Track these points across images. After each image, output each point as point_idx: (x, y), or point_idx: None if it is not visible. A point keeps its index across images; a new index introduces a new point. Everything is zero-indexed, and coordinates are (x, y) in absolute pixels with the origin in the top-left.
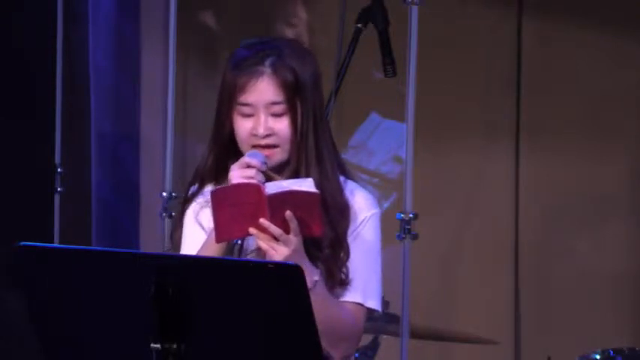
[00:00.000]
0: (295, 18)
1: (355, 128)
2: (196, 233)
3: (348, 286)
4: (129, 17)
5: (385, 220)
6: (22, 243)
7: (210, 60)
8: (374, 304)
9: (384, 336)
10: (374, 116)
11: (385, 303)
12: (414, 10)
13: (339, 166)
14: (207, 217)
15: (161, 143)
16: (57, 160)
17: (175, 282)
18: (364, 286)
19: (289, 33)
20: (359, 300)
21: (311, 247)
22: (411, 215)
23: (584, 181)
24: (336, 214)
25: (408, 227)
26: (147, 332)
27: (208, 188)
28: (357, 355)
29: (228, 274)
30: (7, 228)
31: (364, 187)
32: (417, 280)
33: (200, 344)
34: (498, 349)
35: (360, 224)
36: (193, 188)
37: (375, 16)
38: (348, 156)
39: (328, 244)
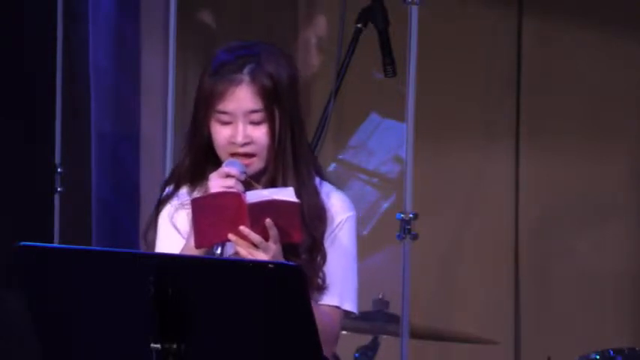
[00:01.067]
0: (295, 18)
1: (355, 128)
2: (171, 235)
3: (325, 290)
4: (129, 17)
5: (385, 220)
6: (22, 243)
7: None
8: (350, 306)
9: (384, 336)
10: (374, 116)
11: (385, 303)
12: (414, 10)
13: (315, 168)
14: (182, 220)
15: (161, 143)
16: (57, 160)
17: (175, 282)
18: (341, 289)
19: (289, 33)
20: (336, 303)
21: (288, 252)
22: (411, 215)
23: (584, 181)
24: (314, 219)
25: (408, 227)
26: (147, 332)
27: (183, 190)
28: (357, 355)
29: (228, 274)
30: (7, 228)
31: (339, 189)
32: (417, 280)
33: (200, 344)
34: (498, 349)
35: (336, 227)
36: (168, 189)
37: (375, 16)
38: (348, 156)
39: (305, 249)
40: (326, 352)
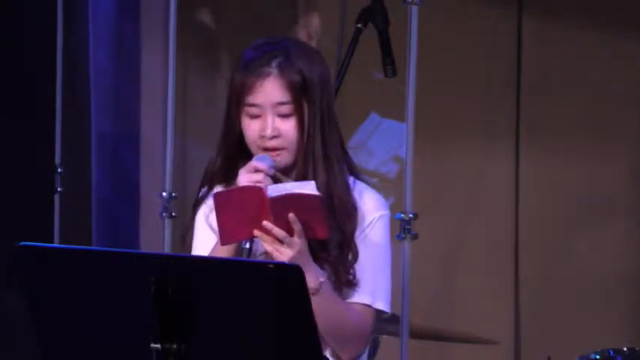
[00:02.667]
0: (295, 18)
1: (355, 128)
2: (207, 236)
3: (357, 288)
4: (129, 17)
5: None
6: (22, 243)
7: (210, 60)
8: (382, 305)
9: (384, 336)
10: (374, 116)
11: None
12: (414, 10)
13: (349, 166)
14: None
15: (161, 143)
16: (57, 160)
17: (175, 282)
18: (372, 288)
19: (289, 33)
20: (367, 301)
21: (318, 249)
22: (411, 215)
23: (584, 181)
24: (344, 215)
25: (408, 227)
26: (147, 332)
27: (218, 190)
28: None
29: (228, 274)
30: (7, 228)
31: (374, 188)
32: (417, 280)
33: (200, 344)
34: (498, 349)
35: (368, 225)
36: (203, 190)
37: (375, 16)
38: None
39: (335, 245)
40: (357, 350)
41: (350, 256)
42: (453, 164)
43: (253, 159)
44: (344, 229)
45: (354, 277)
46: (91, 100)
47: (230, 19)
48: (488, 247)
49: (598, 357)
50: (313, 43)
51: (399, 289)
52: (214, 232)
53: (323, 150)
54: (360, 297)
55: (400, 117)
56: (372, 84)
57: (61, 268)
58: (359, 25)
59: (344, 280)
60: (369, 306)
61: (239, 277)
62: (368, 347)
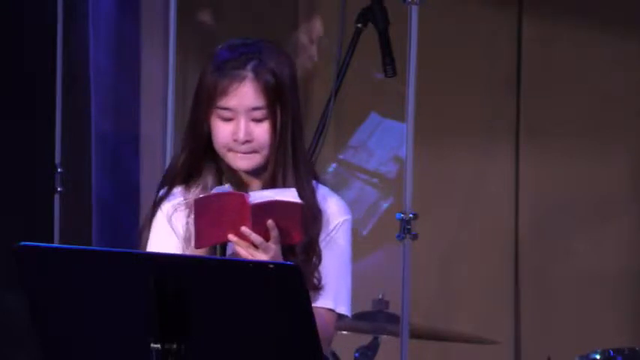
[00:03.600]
0: (295, 18)
1: (355, 128)
2: (166, 236)
3: (320, 292)
4: (129, 17)
5: (385, 220)
6: (22, 243)
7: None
8: (344, 309)
9: (384, 336)
10: (374, 116)
11: (385, 303)
12: (414, 10)
13: (312, 170)
14: (180, 221)
15: (161, 143)
16: (57, 160)
17: (175, 282)
18: (335, 292)
19: (289, 33)
20: (330, 306)
21: (285, 252)
22: (411, 215)
23: (584, 181)
24: (310, 219)
25: (408, 227)
26: (147, 332)
27: (177, 189)
28: (357, 355)
29: (228, 274)
30: (7, 228)
31: (335, 192)
32: (417, 280)
33: (200, 344)
34: (498, 349)
35: (332, 230)
36: (163, 190)
37: (375, 16)
38: (348, 156)
39: (302, 249)
40: None
41: (315, 260)
42: (453, 164)
43: (213, 190)
44: (310, 232)
45: (319, 280)
46: (91, 100)
47: (230, 19)
48: (488, 247)
49: (598, 357)
50: (315, 48)
51: (399, 289)
52: (174, 232)
53: (293, 153)
54: (324, 301)
55: (400, 117)
56: (372, 84)
57: (61, 268)
58: (359, 25)
59: (310, 284)
60: (332, 310)
61: (239, 277)
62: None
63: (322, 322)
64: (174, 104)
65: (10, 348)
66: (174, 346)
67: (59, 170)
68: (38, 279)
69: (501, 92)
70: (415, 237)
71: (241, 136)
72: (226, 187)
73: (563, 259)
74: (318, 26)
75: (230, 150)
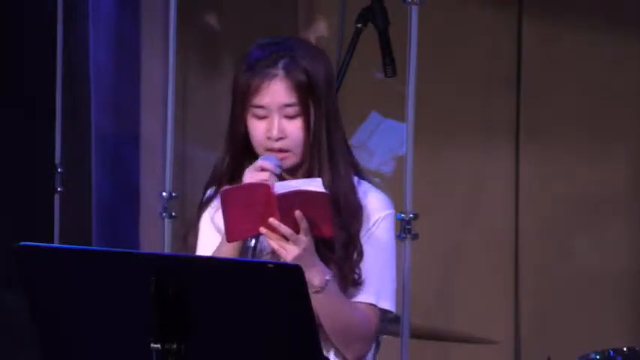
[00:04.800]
0: (295, 18)
1: (355, 128)
2: (212, 237)
3: (362, 287)
4: (129, 17)
5: None
6: (22, 243)
7: (210, 60)
8: (387, 304)
9: (384, 336)
10: (374, 116)
11: None
12: (414, 10)
13: (353, 166)
14: (222, 220)
15: (161, 143)
16: (57, 160)
17: (175, 282)
18: (377, 287)
19: (289, 33)
20: (372, 301)
21: (323, 248)
22: (411, 215)
23: (584, 181)
24: (349, 214)
25: (408, 227)
26: (147, 332)
27: (212, 190)
28: None
29: (228, 274)
30: (7, 228)
31: (378, 187)
32: (417, 280)
33: (200, 344)
34: (498, 349)
35: (373, 225)
36: (210, 191)
37: (375, 16)
38: None
39: (341, 245)
40: (362, 350)
41: (355, 256)
42: (453, 164)
43: (259, 159)
44: (349, 228)
45: (360, 276)
46: (91, 100)
47: (230, 19)
48: (488, 247)
49: (598, 357)
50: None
51: (400, 289)
52: (219, 233)
53: (329, 150)
54: (365, 296)
55: (400, 117)
56: (372, 84)
57: (61, 268)
58: (359, 25)
59: (350, 280)
60: (374, 305)
61: (239, 277)
62: (373, 347)
63: (363, 318)
64: (174, 104)
65: (10, 348)
66: (174, 346)
67: (59, 170)
68: (38, 279)
69: (501, 92)
70: (415, 237)
71: (274, 133)
72: (272, 157)
73: (563, 259)
74: (321, 27)
75: (266, 148)
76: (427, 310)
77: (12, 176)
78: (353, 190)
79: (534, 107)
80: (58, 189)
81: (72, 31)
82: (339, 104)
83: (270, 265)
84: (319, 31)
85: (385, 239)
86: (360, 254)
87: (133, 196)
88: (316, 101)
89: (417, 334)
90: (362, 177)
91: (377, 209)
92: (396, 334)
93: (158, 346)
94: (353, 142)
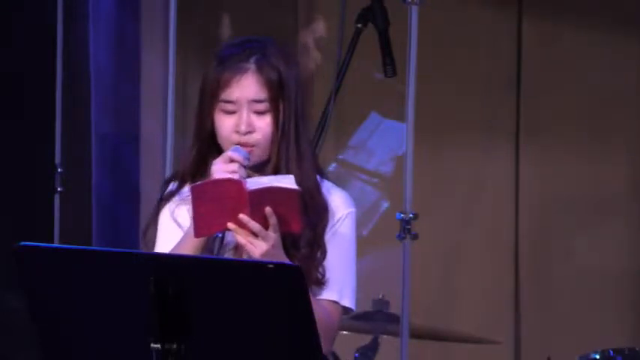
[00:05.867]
0: (295, 18)
1: (355, 128)
2: (173, 231)
3: (324, 285)
4: (129, 17)
5: (385, 220)
6: (22, 243)
7: (210, 60)
8: (349, 302)
9: (384, 336)
10: (374, 116)
11: (385, 303)
12: (414, 10)
13: (315, 165)
14: (183, 215)
15: (161, 143)
16: (57, 160)
17: (175, 282)
18: (340, 285)
19: (289, 33)
20: (335, 298)
21: (288, 246)
22: (411, 215)
23: (584, 181)
24: (315, 213)
25: (408, 227)
26: (147, 332)
27: (186, 187)
28: (357, 355)
29: (228, 274)
30: (7, 228)
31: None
32: (417, 280)
33: (200, 344)
34: (498, 349)
35: (336, 222)
36: (173, 186)
37: (375, 16)
38: (348, 156)
39: (306, 243)
40: (325, 347)
41: (319, 254)
42: (453, 164)
43: (229, 150)
44: (315, 227)
45: (323, 275)
46: (91, 100)
47: (230, 19)
48: (488, 247)
49: (598, 357)
50: (318, 50)
51: (399, 289)
52: (180, 228)
53: (296, 148)
54: (328, 294)
55: (400, 117)
56: (372, 84)
57: (61, 268)
58: (359, 25)
59: (313, 278)
60: (337, 303)
61: (239, 277)
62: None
63: (325, 315)
64: (174, 104)
65: (10, 348)
66: (174, 346)
67: (59, 170)
68: (38, 279)
69: (501, 92)
70: (415, 237)
71: (243, 127)
72: (240, 149)
73: (563, 259)
74: (321, 29)
75: (233, 143)
76: (427, 310)
77: (12, 176)
78: (318, 189)
79: (534, 107)
80: (58, 189)
81: (72, 31)
82: (339, 104)
83: (270, 265)
84: (319, 31)
85: (348, 237)
86: (324, 253)
87: (133, 196)
88: (286, 100)
89: (417, 334)
90: (323, 176)
91: (340, 207)
92: (396, 334)
93: (158, 346)
94: (353, 142)
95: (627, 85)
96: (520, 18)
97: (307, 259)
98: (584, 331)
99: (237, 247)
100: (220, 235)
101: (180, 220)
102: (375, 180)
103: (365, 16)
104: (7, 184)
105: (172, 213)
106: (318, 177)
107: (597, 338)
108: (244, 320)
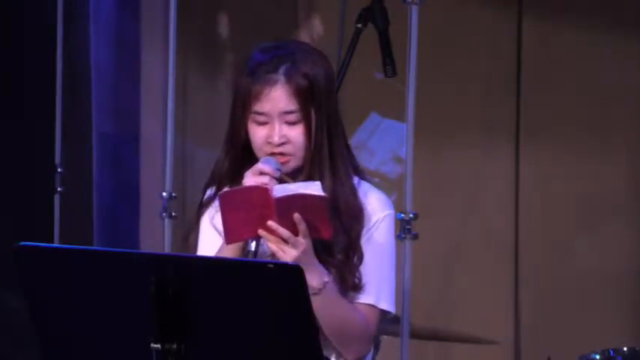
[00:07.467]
0: (295, 18)
1: (355, 128)
2: (213, 237)
3: (362, 289)
4: (129, 17)
5: None
6: (22, 243)
7: (211, 60)
8: (387, 305)
9: (384, 336)
10: (374, 116)
11: None
12: (414, 10)
13: (353, 167)
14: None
15: (161, 143)
16: (57, 160)
17: (175, 282)
18: (377, 288)
19: (289, 33)
20: (371, 301)
21: (323, 252)
22: (411, 215)
23: (584, 181)
24: (350, 219)
25: (408, 227)
26: (147, 332)
27: (212, 191)
28: None
29: (228, 274)
30: (7, 228)
31: (377, 187)
32: (417, 280)
33: (200, 344)
34: (498, 349)
35: (373, 226)
36: (210, 192)
37: (375, 16)
38: None
39: (341, 248)
40: (361, 351)
41: (355, 260)
42: (453, 164)
43: (259, 162)
44: (350, 232)
45: (360, 280)
46: (91, 100)
47: (230, 19)
48: (488, 247)
49: (598, 357)
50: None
51: (399, 289)
52: (219, 234)
53: (329, 154)
54: (365, 297)
55: (400, 117)
56: (372, 84)
57: (61, 268)
58: (359, 25)
59: (350, 284)
60: (374, 306)
61: (239, 277)
62: (372, 347)
63: (362, 319)
64: (174, 104)
65: (10, 348)
66: (174, 346)
67: (59, 170)
68: (38, 279)
69: (501, 92)
70: (415, 237)
71: (275, 139)
72: (271, 160)
73: (563, 259)
74: (318, 26)
75: (267, 153)
76: (427, 310)
77: (12, 176)
78: (354, 193)
79: (534, 107)
80: (58, 189)
81: (72, 31)
82: (339, 104)
83: (270, 265)
84: (319, 31)
85: (385, 240)
86: (360, 258)
87: (133, 196)
88: (317, 106)
89: (418, 334)
90: (362, 177)
91: (377, 210)
92: (396, 334)
93: (158, 346)
94: (353, 142)
95: (627, 85)
96: (520, 18)
97: (343, 265)
98: (584, 331)
99: (273, 255)
100: (254, 245)
101: (219, 226)
102: (376, 180)
103: (365, 16)
104: (7, 184)
105: (212, 219)
106: (356, 179)
107: (597, 338)
108: (244, 320)
